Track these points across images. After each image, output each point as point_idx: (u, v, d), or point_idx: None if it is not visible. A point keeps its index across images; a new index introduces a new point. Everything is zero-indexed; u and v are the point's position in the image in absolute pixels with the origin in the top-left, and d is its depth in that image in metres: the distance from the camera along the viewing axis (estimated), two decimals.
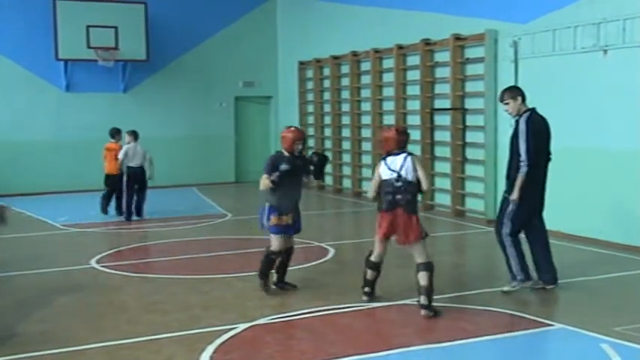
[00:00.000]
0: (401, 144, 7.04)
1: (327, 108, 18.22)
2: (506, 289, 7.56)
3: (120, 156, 13.26)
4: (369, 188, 7.26)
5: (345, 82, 17.25)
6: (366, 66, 16.38)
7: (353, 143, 16.91)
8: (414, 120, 14.71)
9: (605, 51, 10.32)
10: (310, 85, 18.93)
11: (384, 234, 7.11)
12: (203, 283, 8.36)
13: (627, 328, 6.23)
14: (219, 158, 19.94)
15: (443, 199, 13.86)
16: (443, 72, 13.77)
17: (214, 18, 19.63)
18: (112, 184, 13.56)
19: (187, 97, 19.55)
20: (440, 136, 13.94)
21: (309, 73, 18.95)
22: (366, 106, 16.45)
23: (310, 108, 19.02)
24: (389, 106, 15.51)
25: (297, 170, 7.65)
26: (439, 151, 13.95)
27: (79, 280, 8.67)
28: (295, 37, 19.59)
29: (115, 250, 10.62)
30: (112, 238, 11.79)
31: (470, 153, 13.19)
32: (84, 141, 17.93)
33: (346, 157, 17.41)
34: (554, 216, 10.31)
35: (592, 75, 10.59)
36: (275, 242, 7.67)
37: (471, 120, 13.08)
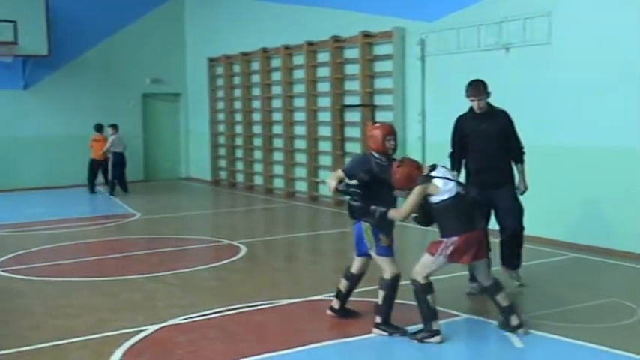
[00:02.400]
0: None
1: (237, 105, 18.12)
2: (515, 275, 7.64)
3: (108, 145, 16.95)
4: (405, 209, 5.91)
5: (256, 78, 17.19)
6: (276, 63, 16.36)
7: (264, 140, 16.87)
8: (324, 117, 14.80)
9: (507, 49, 10.64)
10: (220, 81, 18.77)
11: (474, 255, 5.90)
12: (111, 284, 8.16)
13: (530, 316, 6.44)
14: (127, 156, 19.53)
15: None
16: (352, 69, 13.90)
17: (120, 12, 19.18)
18: (98, 167, 17.21)
19: (93, 95, 19.00)
20: (350, 132, 14.08)
21: (219, 70, 18.79)
22: (276, 103, 16.44)
23: (220, 105, 18.87)
24: (299, 102, 15.55)
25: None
26: (350, 147, 14.08)
27: None
28: (204, 33, 19.38)
29: (18, 253, 10.23)
30: (14, 241, 11.36)
31: None
32: None
33: (257, 155, 17.36)
34: None
35: (495, 72, 10.84)
36: (391, 266, 6.15)
37: (380, 116, 13.23)
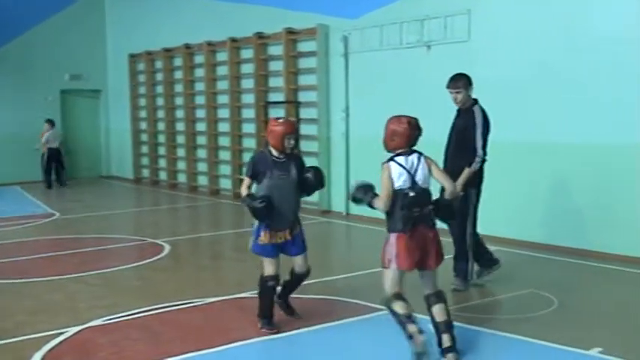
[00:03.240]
0: (413, 141, 5.41)
1: (160, 102, 17.86)
2: (457, 287, 7.24)
3: (43, 140, 17.48)
4: (380, 200, 5.28)
5: (179, 75, 16.98)
6: (199, 59, 16.20)
7: (187, 137, 16.68)
8: (248, 113, 14.74)
9: (429, 47, 10.82)
10: (142, 78, 18.48)
11: (412, 262, 5.30)
12: (31, 286, 7.93)
13: (450, 308, 6.54)
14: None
15: None
16: (276, 65, 13.89)
17: (38, 7, 18.65)
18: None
19: (9, 91, 18.47)
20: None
21: (141, 66, 18.49)
22: (200, 100, 16.29)
23: (142, 102, 18.57)
24: (223, 99, 15.44)
25: (290, 173, 6.02)
26: None
27: None
28: (125, 28, 19.02)
29: None
30: None
31: (304, 145, 13.39)
32: None
33: (181, 152, 17.17)
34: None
35: (417, 69, 11.06)
36: (267, 264, 6.04)
37: (304, 113, 13.28)
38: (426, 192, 5.34)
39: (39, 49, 18.75)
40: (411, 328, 5.13)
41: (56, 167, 17.80)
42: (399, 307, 5.23)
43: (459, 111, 7.27)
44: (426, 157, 5.41)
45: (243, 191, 6.04)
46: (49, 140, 17.54)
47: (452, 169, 6.68)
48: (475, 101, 7.19)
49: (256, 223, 6.01)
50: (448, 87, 7.19)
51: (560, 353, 5.49)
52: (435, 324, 5.36)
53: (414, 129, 5.35)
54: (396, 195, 5.21)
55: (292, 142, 6.02)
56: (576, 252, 8.93)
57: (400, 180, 5.23)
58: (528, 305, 6.80)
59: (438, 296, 5.40)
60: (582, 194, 9.02)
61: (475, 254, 7.38)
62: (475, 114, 7.06)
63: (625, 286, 7.70)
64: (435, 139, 10.63)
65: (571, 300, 6.93)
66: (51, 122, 17.70)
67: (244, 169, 6.17)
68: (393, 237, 5.26)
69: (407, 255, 5.22)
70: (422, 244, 5.26)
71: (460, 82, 7.11)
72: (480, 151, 7.01)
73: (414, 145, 5.39)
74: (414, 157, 5.35)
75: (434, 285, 5.42)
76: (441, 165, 6.52)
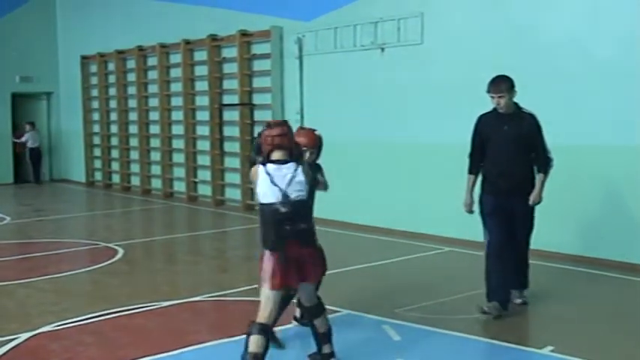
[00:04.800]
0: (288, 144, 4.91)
1: (112, 104, 17.65)
2: (519, 301, 6.75)
3: (23, 139, 18.74)
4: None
5: (132, 77, 16.80)
6: (152, 61, 16.05)
7: (141, 140, 16.51)
8: (203, 116, 14.65)
9: (383, 49, 10.89)
10: (94, 80, 18.23)
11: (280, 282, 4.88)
12: None
13: (406, 309, 6.63)
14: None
15: (234, 194, 13.95)
16: (231, 68, 13.83)
17: None
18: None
19: None
20: (229, 131, 14.01)
21: (93, 68, 18.25)
22: (153, 102, 16.14)
23: (95, 104, 18.33)
24: (177, 101, 15.33)
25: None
26: (229, 146, 14.01)
27: None
28: (77, 30, 18.75)
29: None
30: None
31: None
32: None
33: (134, 155, 16.98)
34: (347, 208, 10.77)
35: (371, 71, 11.13)
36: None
37: (259, 115, 13.24)
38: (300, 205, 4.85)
39: None
40: None
41: (35, 167, 18.98)
42: (253, 343, 4.79)
43: (499, 115, 6.49)
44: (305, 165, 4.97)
45: None
46: (29, 141, 18.73)
47: (516, 174, 6.43)
48: (516, 104, 6.53)
49: None
50: (489, 91, 6.45)
51: (514, 352, 5.58)
52: (317, 334, 5.16)
53: (276, 128, 4.88)
54: (263, 209, 4.88)
55: (310, 155, 5.46)
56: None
57: (267, 192, 4.81)
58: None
59: (319, 308, 5.14)
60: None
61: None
62: (533, 119, 6.47)
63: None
64: (391, 141, 10.80)
65: (534, 301, 7.03)
66: (32, 124, 18.91)
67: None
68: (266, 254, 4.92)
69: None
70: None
71: (503, 85, 6.39)
72: (552, 155, 6.50)
73: (285, 148, 4.87)
74: (286, 167, 4.84)
75: (312, 298, 5.14)
76: (466, 171, 6.68)
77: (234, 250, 10.26)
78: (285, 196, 4.78)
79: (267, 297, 4.89)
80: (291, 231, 4.82)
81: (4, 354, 5.69)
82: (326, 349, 5.15)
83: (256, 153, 5.09)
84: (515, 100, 6.46)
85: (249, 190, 13.45)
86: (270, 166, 4.82)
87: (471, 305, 6.62)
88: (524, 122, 6.43)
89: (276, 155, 4.84)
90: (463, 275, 8.21)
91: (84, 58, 18.33)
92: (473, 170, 6.72)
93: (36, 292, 7.68)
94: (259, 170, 4.83)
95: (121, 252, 9.77)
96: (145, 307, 6.99)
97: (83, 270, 8.87)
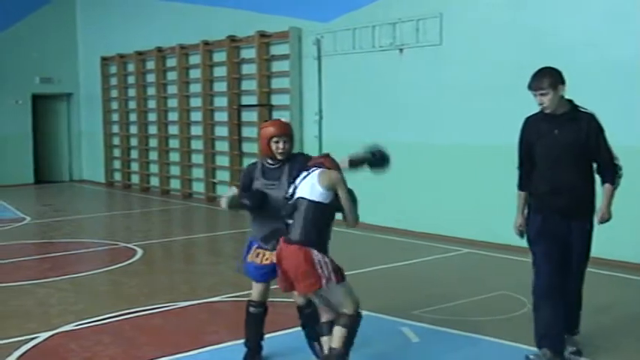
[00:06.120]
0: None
1: (132, 105, 17.74)
2: (571, 349, 5.44)
3: None
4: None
5: (151, 78, 16.88)
6: (171, 62, 16.12)
7: (160, 141, 16.59)
8: (221, 117, 14.70)
9: (401, 50, 10.87)
10: (114, 81, 18.34)
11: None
12: (0, 291, 7.83)
13: (425, 311, 6.61)
14: (16, 158, 18.75)
15: None
16: (249, 68, 13.86)
17: (7, 10, 18.39)
18: None
19: None
20: (247, 132, 14.03)
21: (113, 69, 18.35)
22: (172, 103, 16.21)
23: (114, 105, 18.43)
24: (196, 102, 15.38)
25: (280, 181, 5.10)
26: (247, 147, 14.03)
27: None
28: (97, 31, 18.86)
29: None
30: None
31: None
32: None
33: (153, 155, 17.06)
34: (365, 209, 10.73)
35: (389, 72, 11.11)
36: (253, 288, 5.31)
37: (277, 116, 13.22)
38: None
39: (9, 53, 18.50)
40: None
41: None
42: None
43: (547, 117, 5.24)
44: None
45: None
46: None
47: (574, 190, 5.19)
48: (575, 104, 5.30)
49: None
50: (530, 87, 5.21)
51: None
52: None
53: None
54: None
55: (283, 145, 5.06)
56: None
57: None
58: (501, 307, 6.84)
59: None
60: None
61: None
62: (593, 120, 5.23)
63: None
64: (409, 143, 10.76)
65: None
66: None
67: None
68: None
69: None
70: None
71: (545, 80, 5.14)
72: (619, 162, 5.28)
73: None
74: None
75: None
76: (516, 185, 5.53)
77: None
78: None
79: (344, 290, 4.78)
80: None
81: (24, 353, 5.73)
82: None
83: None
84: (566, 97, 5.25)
85: None
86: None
87: (489, 307, 6.58)
88: (580, 125, 5.17)
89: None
90: (482, 277, 8.18)
91: (104, 59, 18.44)
92: (523, 186, 5.50)
93: (56, 292, 7.73)
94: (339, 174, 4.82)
95: (139, 252, 9.82)
96: (163, 307, 7.01)
97: (102, 270, 8.92)
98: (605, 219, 5.27)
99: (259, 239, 5.19)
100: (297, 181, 4.82)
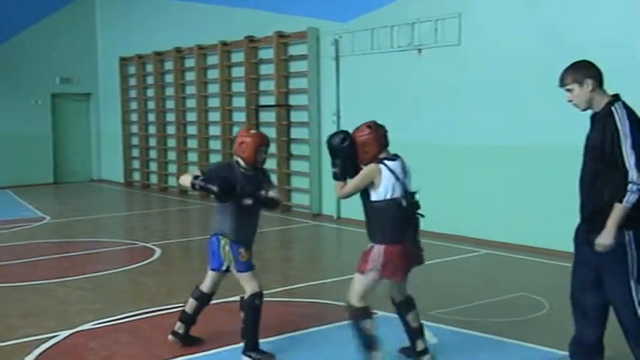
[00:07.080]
0: (385, 141, 5.10)
1: (150, 105, 17.82)
2: None
3: None
4: (343, 188, 5.10)
5: (169, 78, 16.94)
6: (190, 62, 16.18)
7: (178, 141, 16.64)
8: (239, 117, 14.72)
9: (420, 50, 10.84)
10: (132, 81, 18.43)
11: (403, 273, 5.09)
12: (20, 290, 7.88)
13: (443, 312, 6.58)
14: (35, 158, 18.89)
15: None
16: (267, 69, 13.87)
17: (28, 10, 18.53)
18: None
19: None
20: (265, 132, 13.96)
21: (131, 70, 18.45)
22: (190, 103, 16.27)
23: (133, 105, 18.52)
24: (214, 102, 15.43)
25: (257, 191, 5.55)
26: None
27: None
28: (116, 32, 18.98)
29: None
30: None
31: (295, 149, 13.41)
32: None
33: (171, 155, 17.12)
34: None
35: (408, 72, 11.08)
36: (254, 281, 5.59)
37: (295, 116, 13.28)
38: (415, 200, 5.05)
39: (29, 53, 18.65)
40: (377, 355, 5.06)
41: None
42: (369, 326, 5.08)
43: (592, 117, 4.68)
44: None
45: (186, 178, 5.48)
46: None
47: (594, 203, 4.53)
48: (613, 100, 4.57)
49: (217, 243, 5.67)
50: (560, 84, 4.71)
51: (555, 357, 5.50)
52: (409, 330, 5.30)
53: (377, 129, 5.06)
54: (388, 204, 4.93)
55: (265, 155, 5.54)
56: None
57: (391, 188, 4.93)
58: (520, 308, 6.80)
59: (410, 303, 5.28)
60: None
61: None
62: (615, 117, 4.43)
63: None
64: (428, 143, 10.73)
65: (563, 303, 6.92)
66: None
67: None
68: (381, 248, 4.96)
69: (399, 266, 4.99)
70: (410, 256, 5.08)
71: (567, 75, 4.59)
72: (634, 174, 4.30)
73: (387, 145, 5.08)
74: (399, 162, 5.04)
75: (404, 292, 5.28)
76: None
77: (271, 251, 10.27)
78: (405, 190, 5.00)
79: (366, 283, 5.05)
80: (410, 223, 5.02)
81: (44, 351, 5.77)
82: (420, 346, 5.28)
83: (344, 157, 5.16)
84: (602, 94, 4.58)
85: (285, 191, 13.47)
86: (389, 163, 4.97)
87: (509, 309, 6.54)
88: (606, 126, 4.44)
89: (385, 153, 5.05)
90: (500, 278, 8.14)
91: (122, 59, 18.54)
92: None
93: (75, 291, 7.78)
94: (381, 168, 4.93)
95: (158, 252, 9.85)
96: (181, 306, 7.00)
97: (121, 269, 8.96)
98: (604, 245, 4.44)
99: (241, 241, 5.56)
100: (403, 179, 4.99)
